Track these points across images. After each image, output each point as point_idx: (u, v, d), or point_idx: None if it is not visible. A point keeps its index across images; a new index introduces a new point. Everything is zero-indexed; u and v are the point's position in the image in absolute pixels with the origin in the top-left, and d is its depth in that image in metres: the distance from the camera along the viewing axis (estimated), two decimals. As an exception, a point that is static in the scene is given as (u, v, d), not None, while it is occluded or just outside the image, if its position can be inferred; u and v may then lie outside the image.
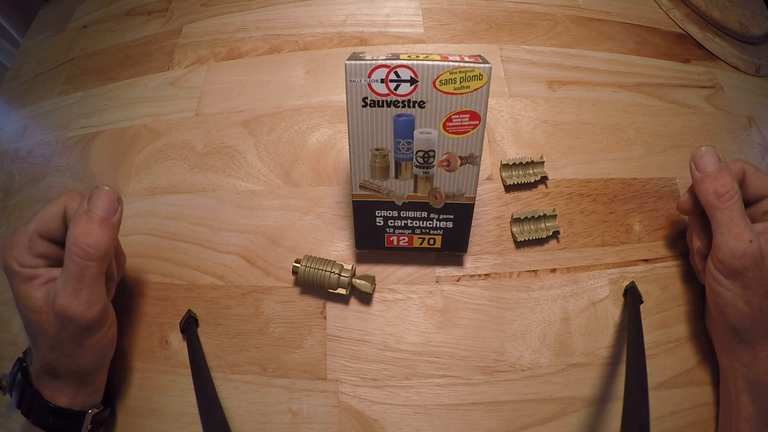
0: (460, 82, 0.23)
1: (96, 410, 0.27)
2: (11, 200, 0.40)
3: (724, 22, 0.43)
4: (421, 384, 0.29)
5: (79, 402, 0.26)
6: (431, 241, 0.29)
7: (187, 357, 0.29)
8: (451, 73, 0.23)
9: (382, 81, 0.23)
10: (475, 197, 0.27)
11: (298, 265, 0.29)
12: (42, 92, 0.46)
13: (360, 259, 0.32)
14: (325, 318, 0.31)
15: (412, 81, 0.23)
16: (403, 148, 0.25)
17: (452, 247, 0.29)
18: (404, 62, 0.23)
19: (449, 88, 0.23)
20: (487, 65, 0.23)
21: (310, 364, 0.30)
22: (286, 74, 0.40)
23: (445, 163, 0.26)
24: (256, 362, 0.30)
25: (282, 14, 0.44)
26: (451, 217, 0.28)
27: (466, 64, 0.23)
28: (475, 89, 0.23)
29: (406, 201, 0.27)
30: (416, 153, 0.26)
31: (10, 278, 0.25)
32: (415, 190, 0.27)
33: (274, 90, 0.39)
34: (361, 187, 0.27)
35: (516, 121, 0.36)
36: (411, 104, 0.24)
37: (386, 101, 0.24)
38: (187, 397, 0.29)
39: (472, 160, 0.26)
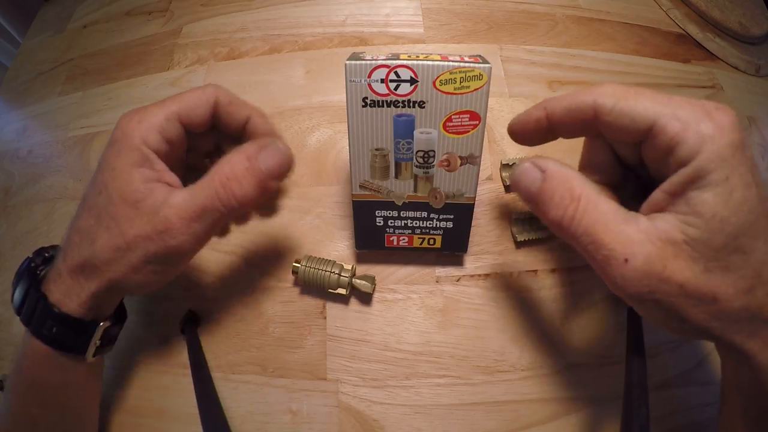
0: (460, 82, 0.23)
1: (108, 323, 0.24)
2: (11, 200, 0.40)
3: (724, 22, 0.43)
4: (421, 384, 0.29)
5: (91, 312, 0.23)
6: (431, 241, 0.29)
7: (187, 357, 0.29)
8: (451, 73, 0.23)
9: (382, 81, 0.23)
10: (475, 197, 0.27)
11: (298, 265, 0.29)
12: (42, 92, 0.46)
13: (360, 259, 0.32)
14: (325, 318, 0.31)
15: (412, 81, 0.23)
16: (403, 148, 0.25)
17: (452, 247, 0.29)
18: (404, 62, 0.23)
19: (449, 88, 0.23)
20: (486, 65, 0.23)
21: (310, 364, 0.30)
22: (286, 74, 0.40)
23: (445, 163, 0.26)
24: (256, 362, 0.30)
25: (282, 14, 0.44)
26: (451, 217, 0.28)
27: (466, 64, 0.23)
28: (475, 89, 0.23)
29: (406, 201, 0.27)
30: (416, 153, 0.26)
31: (117, 152, 0.21)
32: (415, 190, 0.27)
33: (274, 90, 0.39)
34: (361, 187, 0.27)
35: (516, 121, 0.36)
36: (411, 104, 0.24)
37: (386, 101, 0.24)
38: (187, 397, 0.29)
39: (472, 160, 0.26)
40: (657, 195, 0.19)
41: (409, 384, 0.29)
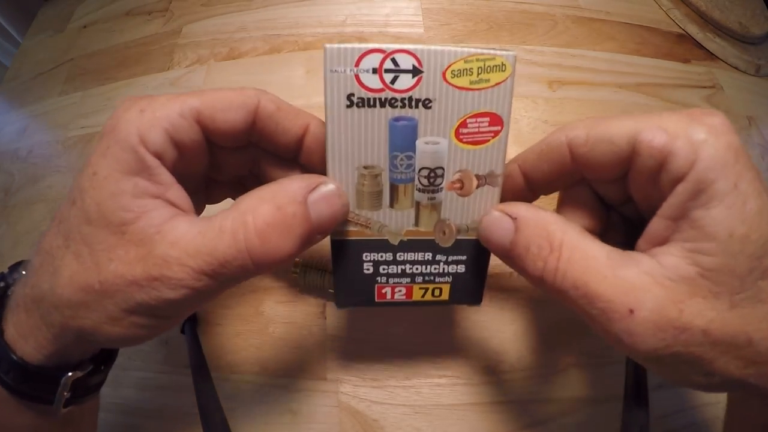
0: (478, 74, 0.18)
1: (80, 372, 0.18)
2: (11, 200, 0.40)
3: (724, 22, 0.43)
4: (421, 384, 0.29)
5: (53, 359, 0.17)
6: (436, 292, 0.22)
7: (187, 357, 0.29)
8: (466, 62, 0.18)
9: (375, 71, 0.17)
10: None
11: (298, 266, 0.29)
12: (42, 92, 0.46)
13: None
14: (325, 318, 0.31)
15: (415, 72, 0.18)
16: (401, 165, 0.19)
17: (464, 298, 0.23)
18: (405, 46, 0.17)
19: (464, 81, 0.18)
20: (510, 53, 0.18)
21: (310, 364, 0.30)
22: (286, 74, 0.40)
23: (458, 185, 0.20)
24: (256, 362, 0.30)
25: (282, 14, 0.44)
26: (464, 258, 0.21)
27: (486, 51, 0.18)
28: (496, 84, 0.18)
29: (405, 239, 0.21)
30: (419, 171, 0.19)
31: (104, 149, 0.16)
32: (417, 224, 0.20)
33: (274, 90, 0.38)
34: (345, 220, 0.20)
35: (516, 122, 0.36)
36: (413, 103, 0.18)
37: (380, 99, 0.18)
38: (187, 397, 0.29)
39: (492, 179, 0.19)
40: (655, 225, 0.16)
41: (409, 384, 0.29)
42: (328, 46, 0.17)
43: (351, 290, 0.22)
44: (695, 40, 0.43)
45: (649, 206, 0.17)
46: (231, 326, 0.31)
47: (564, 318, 0.30)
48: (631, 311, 0.14)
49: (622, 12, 0.43)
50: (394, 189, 0.20)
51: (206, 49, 0.43)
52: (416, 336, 0.30)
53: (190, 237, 0.15)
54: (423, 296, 0.22)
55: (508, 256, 0.17)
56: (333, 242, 0.20)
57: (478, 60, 0.18)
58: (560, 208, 0.21)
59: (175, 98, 0.17)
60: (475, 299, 0.23)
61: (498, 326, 0.30)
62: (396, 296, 0.22)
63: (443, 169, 0.19)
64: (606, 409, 0.28)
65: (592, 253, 0.15)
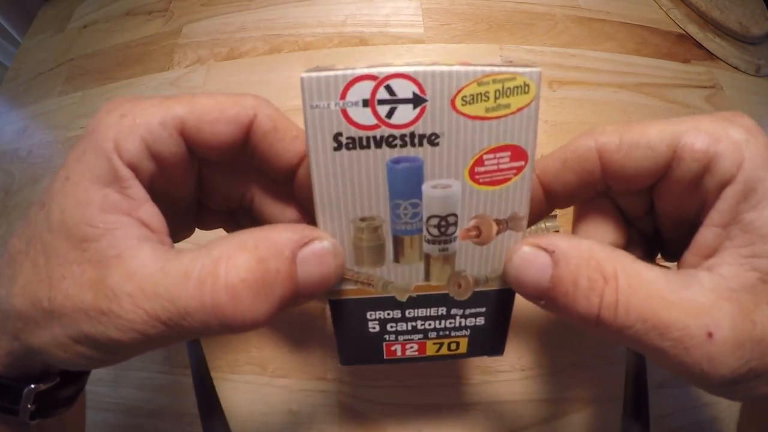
0: (495, 99, 0.15)
1: (43, 385, 0.16)
2: (11, 200, 0.40)
3: (724, 22, 0.43)
4: (421, 384, 0.29)
5: (12, 370, 0.16)
6: (453, 346, 0.20)
7: (187, 357, 0.29)
8: (480, 84, 0.14)
9: (366, 103, 0.14)
10: None
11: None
12: (42, 92, 0.46)
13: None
14: (325, 318, 0.31)
15: (417, 100, 0.15)
16: (405, 215, 0.16)
17: (484, 350, 0.20)
18: (402, 69, 0.14)
19: (478, 109, 0.15)
20: (534, 69, 0.15)
21: (310, 364, 0.30)
22: (286, 74, 0.40)
23: (474, 233, 0.17)
24: (256, 362, 0.30)
25: (282, 14, 0.44)
26: (483, 310, 0.19)
27: (504, 69, 0.14)
28: (517, 109, 0.15)
29: (414, 295, 0.18)
30: (428, 221, 0.16)
31: (80, 154, 0.14)
32: (428, 278, 0.18)
33: (274, 90, 0.39)
34: (342, 279, 0.17)
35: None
36: (416, 140, 0.15)
37: (374, 138, 0.15)
38: (187, 397, 0.29)
39: (514, 223, 0.16)
40: (704, 235, 0.15)
41: (409, 384, 0.29)
42: (305, 75, 0.14)
43: (355, 348, 0.20)
44: (695, 40, 0.43)
45: (678, 218, 0.16)
46: (231, 326, 0.31)
47: (564, 318, 0.30)
48: (710, 334, 0.13)
49: (622, 12, 0.43)
50: (398, 242, 0.17)
51: (206, 49, 0.43)
52: (416, 336, 0.30)
53: (150, 272, 0.13)
54: (438, 351, 0.20)
55: (549, 296, 0.15)
56: (331, 302, 0.18)
57: (494, 81, 0.14)
58: (579, 225, 0.19)
59: (160, 104, 0.15)
60: (497, 350, 0.20)
61: (498, 326, 0.30)
62: (407, 353, 0.20)
63: (456, 216, 0.16)
64: (606, 409, 0.28)
65: (649, 278, 0.14)
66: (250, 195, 0.19)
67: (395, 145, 0.15)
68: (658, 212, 0.17)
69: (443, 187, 0.16)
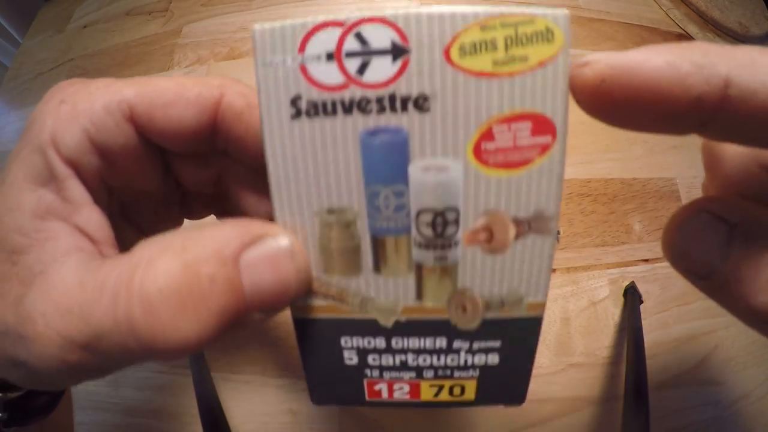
0: (506, 49, 0.11)
1: (11, 394, 0.15)
2: None
3: (724, 22, 0.43)
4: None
5: None
6: (456, 390, 0.15)
7: (188, 357, 0.29)
8: (483, 29, 0.11)
9: (331, 57, 0.11)
10: (545, 303, 0.13)
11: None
12: (42, 92, 0.45)
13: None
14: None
15: (398, 51, 0.11)
16: (386, 207, 0.12)
17: (497, 397, 0.15)
18: (376, 13, 0.11)
19: (483, 62, 0.11)
20: (560, 11, 0.11)
21: (310, 364, 0.30)
22: (286, 74, 0.40)
23: (484, 236, 0.12)
24: (256, 362, 0.30)
25: (282, 14, 0.44)
26: (497, 344, 0.14)
27: (517, 10, 0.11)
28: (539, 64, 0.11)
29: (402, 319, 0.14)
30: (418, 217, 0.12)
31: (17, 150, 0.13)
32: (420, 297, 0.13)
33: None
34: (309, 291, 0.13)
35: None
36: (398, 104, 0.11)
37: (342, 101, 0.11)
38: (187, 397, 0.29)
39: (540, 225, 0.12)
40: None
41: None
42: (257, 27, 0.12)
43: (329, 385, 0.15)
44: (695, 40, 0.43)
45: None
46: (231, 326, 0.31)
47: (564, 317, 0.30)
48: None
49: (622, 12, 0.43)
50: (378, 244, 0.13)
51: (206, 49, 0.43)
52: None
53: (67, 288, 0.11)
54: (436, 396, 0.15)
55: (719, 280, 0.11)
56: (295, 322, 0.14)
57: (504, 25, 0.10)
58: (720, 182, 0.14)
59: (107, 87, 0.13)
60: (515, 398, 0.15)
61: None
62: (396, 395, 0.15)
63: (457, 211, 0.12)
64: (606, 409, 0.28)
65: None
66: (224, 185, 0.16)
67: (370, 111, 0.11)
68: None
69: (438, 170, 0.12)
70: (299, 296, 0.13)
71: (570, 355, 0.29)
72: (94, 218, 0.13)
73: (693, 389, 0.29)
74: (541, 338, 0.29)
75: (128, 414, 0.30)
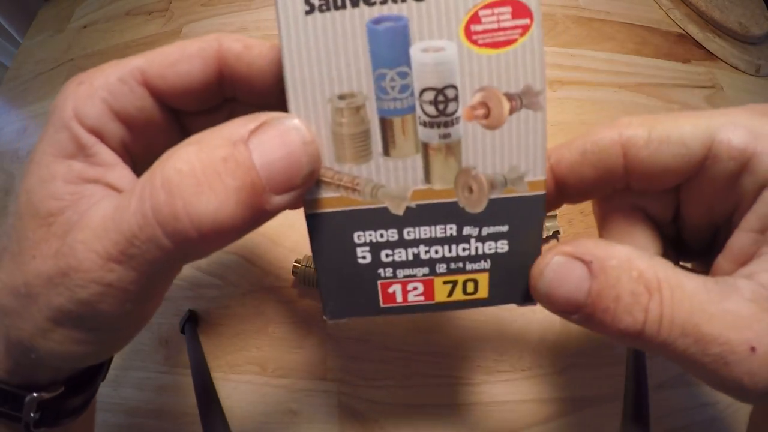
0: None
1: (46, 394, 0.15)
2: (11, 200, 0.40)
3: (724, 22, 0.43)
4: (421, 384, 0.29)
5: (13, 376, 0.15)
6: (470, 287, 0.15)
7: (187, 357, 0.29)
8: None
9: None
10: (546, 180, 0.14)
11: (298, 265, 0.29)
12: (42, 92, 0.46)
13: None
14: (325, 318, 0.31)
15: None
16: (392, 88, 0.14)
17: (510, 294, 0.16)
18: None
19: None
20: None
21: (310, 364, 0.30)
22: (286, 74, 0.40)
23: (482, 111, 0.14)
24: (256, 362, 0.30)
25: (282, 14, 0.44)
26: (505, 229, 0.15)
27: None
28: None
29: (412, 204, 0.14)
30: (421, 95, 0.14)
31: (43, 133, 0.14)
32: (428, 178, 0.14)
33: (274, 90, 0.39)
34: (319, 181, 0.14)
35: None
36: None
37: None
38: (187, 397, 0.29)
39: (530, 99, 0.14)
40: (740, 240, 0.14)
41: (408, 384, 0.29)
42: None
43: (343, 291, 0.16)
44: (695, 40, 0.43)
45: (705, 219, 0.15)
46: (231, 326, 0.31)
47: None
48: (753, 349, 0.12)
49: (622, 12, 0.43)
50: (387, 125, 0.14)
51: (206, 49, 0.43)
52: (416, 336, 0.30)
53: (104, 215, 0.12)
54: (450, 295, 0.15)
55: (587, 312, 0.13)
56: (308, 217, 0.15)
57: None
58: (607, 228, 0.17)
59: (117, 63, 0.14)
60: (529, 296, 0.15)
61: (498, 326, 0.30)
62: (410, 297, 0.15)
63: (456, 88, 0.13)
64: (606, 409, 0.28)
65: (691, 288, 0.12)
66: None
67: (374, 3, 0.13)
68: (683, 213, 0.16)
69: (435, 50, 0.13)
70: (311, 178, 0.13)
71: (570, 355, 0.29)
72: (125, 174, 0.14)
73: (693, 389, 0.29)
74: (542, 338, 0.30)
75: (129, 414, 0.30)
